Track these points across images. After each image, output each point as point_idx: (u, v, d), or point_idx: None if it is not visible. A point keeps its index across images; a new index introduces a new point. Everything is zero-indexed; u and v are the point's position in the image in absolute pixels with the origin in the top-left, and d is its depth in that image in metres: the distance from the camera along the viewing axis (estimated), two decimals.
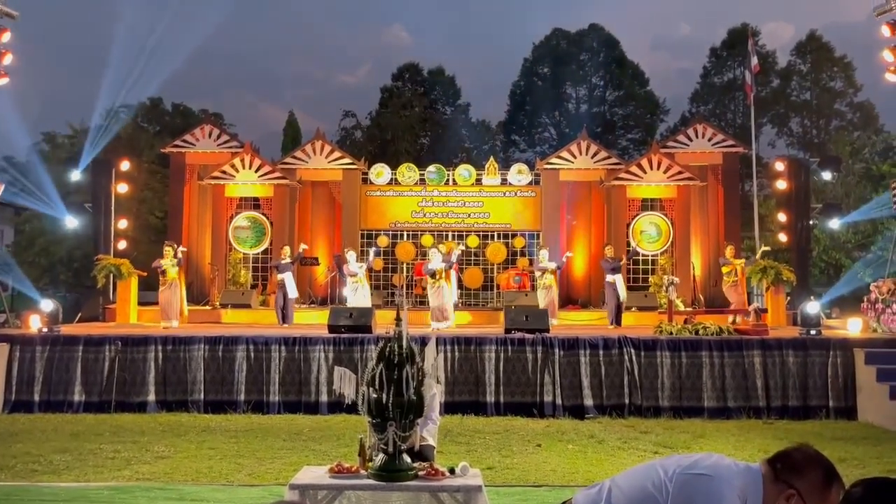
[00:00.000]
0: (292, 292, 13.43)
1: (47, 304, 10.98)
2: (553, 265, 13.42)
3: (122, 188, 15.51)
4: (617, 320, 13.15)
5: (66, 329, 11.02)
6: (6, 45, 13.24)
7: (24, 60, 14.57)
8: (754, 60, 17.39)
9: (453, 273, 13.28)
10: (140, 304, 14.35)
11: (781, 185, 15.63)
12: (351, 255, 13.45)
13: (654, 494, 2.01)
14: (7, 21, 13.31)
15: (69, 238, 21.50)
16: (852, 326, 11.42)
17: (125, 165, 15.68)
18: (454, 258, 12.82)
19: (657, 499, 2.00)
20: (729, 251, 14.16)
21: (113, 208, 15.30)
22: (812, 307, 11.01)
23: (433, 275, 12.26)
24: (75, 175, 16.16)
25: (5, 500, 5.52)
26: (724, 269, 14.14)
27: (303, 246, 14.76)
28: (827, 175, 18.92)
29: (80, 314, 14.04)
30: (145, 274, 13.86)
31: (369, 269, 13.80)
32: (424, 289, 13.20)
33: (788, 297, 14.17)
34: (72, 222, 16.16)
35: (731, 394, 9.58)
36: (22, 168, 26.52)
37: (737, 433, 8.46)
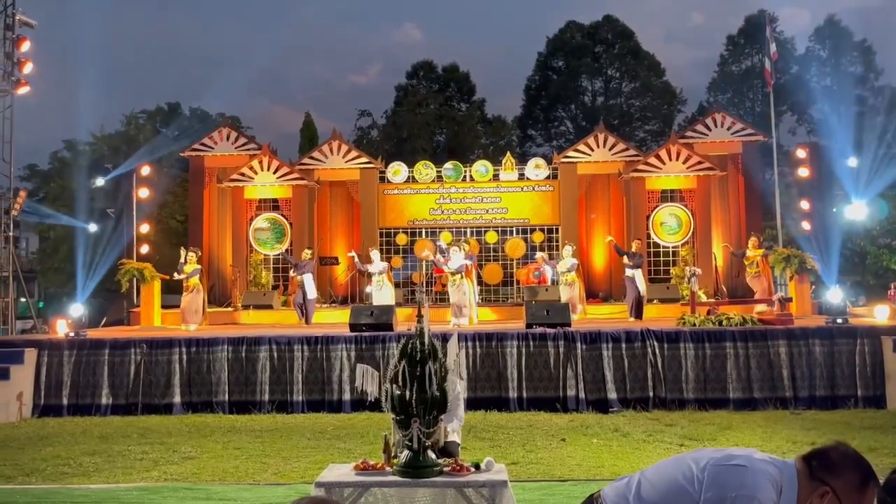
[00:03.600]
0: (311, 293, 13.49)
1: (77, 309, 11.14)
2: (575, 263, 13.33)
3: (144, 193, 15.69)
4: (637, 313, 13.05)
5: (92, 333, 11.17)
6: (26, 54, 13.45)
7: (43, 69, 14.77)
8: (773, 47, 17.13)
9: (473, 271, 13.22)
10: (163, 307, 14.51)
11: (803, 172, 15.43)
12: (375, 254, 13.52)
13: (685, 486, 1.99)
14: (27, 30, 13.50)
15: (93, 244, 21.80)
16: (879, 314, 11.24)
17: (146, 171, 15.86)
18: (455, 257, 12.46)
19: (689, 491, 1.98)
20: (752, 242, 13.92)
21: (135, 213, 15.50)
22: (837, 295, 10.85)
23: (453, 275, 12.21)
24: (99, 181, 16.39)
25: (37, 503, 5.60)
26: (746, 261, 13.97)
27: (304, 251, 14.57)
28: (851, 161, 18.62)
29: (105, 318, 14.23)
30: (168, 277, 14.02)
31: (389, 268, 13.90)
32: (444, 286, 13.20)
33: (813, 286, 13.96)
34: (94, 228, 16.41)
35: (756, 385, 9.47)
36: (44, 176, 26.98)
37: (764, 424, 8.36)
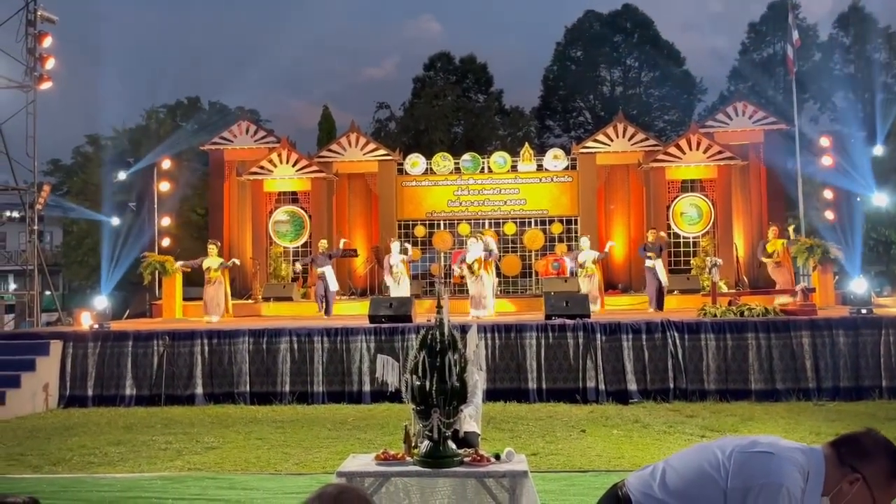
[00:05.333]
0: (333, 285, 13.68)
1: (101, 301, 11.30)
2: (595, 256, 13.30)
3: (164, 187, 15.84)
4: (659, 304, 12.96)
5: (115, 325, 11.32)
6: (48, 49, 13.59)
7: (65, 65, 14.91)
8: (795, 35, 16.82)
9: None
10: (185, 299, 14.66)
11: (826, 161, 15.21)
12: (394, 246, 13.55)
13: (710, 474, 1.98)
14: (48, 26, 13.64)
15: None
16: None
17: (166, 164, 16.01)
18: (482, 249, 12.48)
19: (714, 478, 1.97)
20: (772, 232, 13.76)
21: (156, 207, 15.66)
22: (861, 285, 10.71)
23: (470, 268, 12.21)
24: (121, 175, 16.59)
25: (64, 492, 5.69)
26: (768, 249, 13.82)
27: (342, 241, 14.94)
28: (876, 150, 18.32)
29: (128, 311, 14.40)
30: (189, 270, 14.16)
31: (409, 261, 13.94)
32: (462, 277, 13.19)
33: (837, 277, 13.78)
34: (116, 222, 16.61)
35: (779, 375, 9.38)
36: (67, 170, 27.31)
37: (786, 415, 8.29)
